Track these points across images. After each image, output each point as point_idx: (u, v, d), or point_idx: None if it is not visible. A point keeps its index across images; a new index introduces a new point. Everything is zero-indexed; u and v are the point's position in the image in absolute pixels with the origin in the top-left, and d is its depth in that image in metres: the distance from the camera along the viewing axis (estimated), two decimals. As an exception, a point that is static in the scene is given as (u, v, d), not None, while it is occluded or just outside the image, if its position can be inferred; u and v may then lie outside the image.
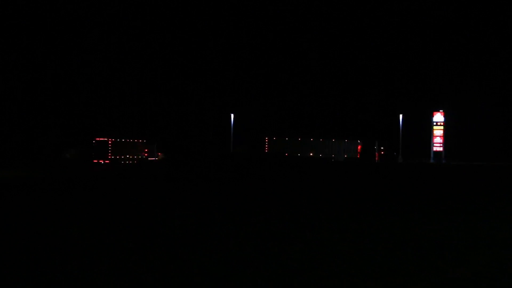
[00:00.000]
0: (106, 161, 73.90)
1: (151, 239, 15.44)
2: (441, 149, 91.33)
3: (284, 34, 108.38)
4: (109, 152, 75.34)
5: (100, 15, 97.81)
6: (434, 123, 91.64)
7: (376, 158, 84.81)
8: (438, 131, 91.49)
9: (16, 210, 22.62)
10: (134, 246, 14.30)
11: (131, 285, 10.59)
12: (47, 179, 42.36)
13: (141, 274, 11.32)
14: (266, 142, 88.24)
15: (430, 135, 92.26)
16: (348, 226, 18.25)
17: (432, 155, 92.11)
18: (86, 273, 11.36)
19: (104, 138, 77.11)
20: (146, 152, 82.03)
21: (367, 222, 19.14)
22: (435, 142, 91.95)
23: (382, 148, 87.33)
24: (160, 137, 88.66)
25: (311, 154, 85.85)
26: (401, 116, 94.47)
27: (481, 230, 17.44)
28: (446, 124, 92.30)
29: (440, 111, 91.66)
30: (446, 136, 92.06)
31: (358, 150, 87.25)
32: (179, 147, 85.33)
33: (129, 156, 78.38)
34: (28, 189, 33.76)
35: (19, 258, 12.83)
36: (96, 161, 73.55)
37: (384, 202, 26.85)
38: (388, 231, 17.21)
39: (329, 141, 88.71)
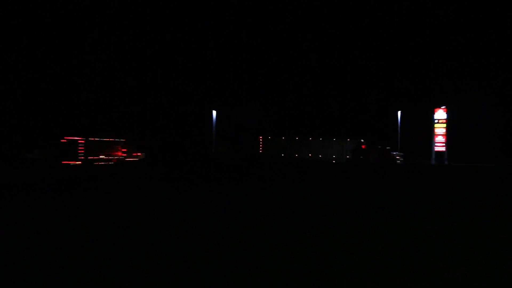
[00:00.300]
0: (76, 162, 66.28)
1: (151, 239, 15.43)
2: (443, 149, 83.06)
3: (284, 34, 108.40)
4: (81, 152, 67.66)
5: (100, 15, 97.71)
6: (436, 121, 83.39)
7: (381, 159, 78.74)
8: (440, 129, 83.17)
9: (15, 210, 22.61)
10: (134, 246, 14.30)
11: (131, 285, 10.59)
12: (43, 180, 42.36)
13: (141, 274, 11.32)
14: (261, 141, 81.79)
15: (431, 133, 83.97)
16: (348, 226, 18.24)
17: (433, 155, 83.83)
18: (86, 273, 11.37)
19: (74, 137, 69.37)
20: (124, 152, 74.77)
21: (367, 222, 19.13)
22: (436, 141, 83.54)
23: (388, 148, 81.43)
24: (143, 136, 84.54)
25: (309, 155, 79.64)
26: (399, 113, 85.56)
27: (481, 230, 17.44)
28: (449, 122, 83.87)
29: (442, 107, 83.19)
30: (449, 134, 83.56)
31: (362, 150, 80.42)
32: (165, 146, 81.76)
33: (103, 157, 71.06)
34: (26, 189, 33.74)
35: (19, 258, 12.83)
36: (65, 162, 65.39)
37: (384, 202, 26.84)
38: (388, 231, 17.20)
39: (329, 141, 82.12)
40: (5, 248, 14.09)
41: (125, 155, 74.53)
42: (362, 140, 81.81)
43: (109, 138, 74.08)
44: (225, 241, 15.10)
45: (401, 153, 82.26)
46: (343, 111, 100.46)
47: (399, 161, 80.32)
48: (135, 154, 76.06)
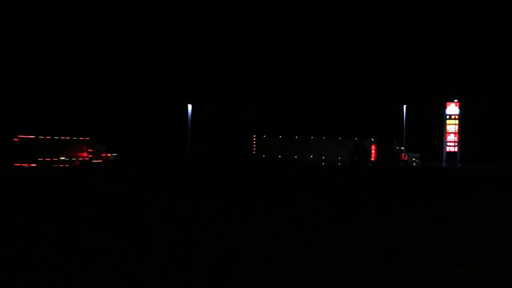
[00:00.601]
0: (31, 164, 58.42)
1: (151, 239, 15.43)
2: (455, 149, 72.84)
3: (284, 34, 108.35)
4: (37, 153, 59.88)
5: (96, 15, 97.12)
6: (447, 116, 72.61)
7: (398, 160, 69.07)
8: (452, 126, 72.71)
9: (15, 211, 22.61)
10: (134, 246, 14.31)
11: (131, 285, 10.59)
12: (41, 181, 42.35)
13: (141, 274, 11.32)
14: (254, 140, 74.81)
15: (441, 131, 73.47)
16: (348, 226, 18.25)
17: (444, 156, 73.68)
18: (86, 273, 11.37)
19: (30, 136, 61.51)
20: (90, 153, 66.47)
21: (367, 222, 19.14)
22: (448, 140, 73.26)
23: (402, 148, 72.24)
24: (117, 135, 76.74)
25: (311, 156, 72.03)
26: (405, 107, 73.60)
27: (481, 230, 17.44)
28: (462, 118, 72.68)
29: (455, 101, 72.27)
30: (462, 132, 72.64)
31: (372, 151, 71.47)
32: (137, 146, 75.53)
33: (64, 158, 62.86)
34: (24, 190, 33.74)
35: (19, 258, 12.82)
36: (18, 164, 57.71)
37: (384, 202, 26.85)
38: (388, 231, 17.20)
39: (332, 140, 73.38)
40: (5, 248, 14.09)
41: (91, 156, 66.35)
42: (372, 139, 72.78)
43: (72, 137, 66.08)
44: (225, 241, 15.10)
45: (417, 155, 74.28)
46: (343, 111, 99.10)
47: (415, 164, 72.36)
48: (104, 155, 68.05)
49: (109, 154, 68.37)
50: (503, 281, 11.05)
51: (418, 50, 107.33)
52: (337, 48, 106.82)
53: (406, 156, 73.08)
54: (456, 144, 72.75)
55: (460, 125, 73.07)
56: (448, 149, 73.13)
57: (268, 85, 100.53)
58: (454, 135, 72.92)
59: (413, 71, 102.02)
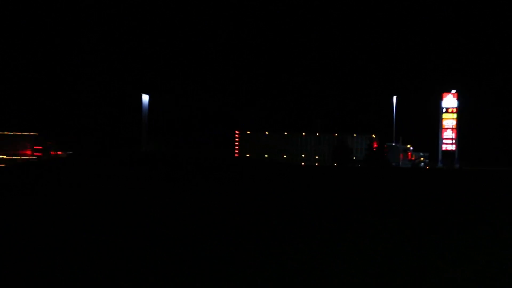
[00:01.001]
0: None
1: (151, 239, 15.43)
2: (453, 147, 64.58)
3: (284, 34, 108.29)
4: None
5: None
6: (444, 109, 64.41)
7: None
8: (449, 121, 64.33)
9: (15, 210, 22.59)
10: (134, 246, 14.30)
11: (131, 285, 10.59)
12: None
13: (141, 274, 11.33)
14: (237, 137, 68.62)
15: (437, 126, 64.86)
16: (348, 226, 18.26)
17: (440, 156, 66.12)
18: (86, 273, 11.37)
19: None
20: (37, 150, 59.33)
21: (367, 222, 19.15)
22: (444, 137, 64.85)
23: (408, 146, 66.56)
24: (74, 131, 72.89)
25: (303, 155, 66.60)
26: (395, 98, 65.79)
27: (481, 230, 17.45)
28: (461, 111, 63.45)
29: (453, 92, 63.56)
30: (461, 128, 63.89)
31: (374, 149, 65.94)
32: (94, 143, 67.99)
33: (3, 157, 56.45)
34: (24, 189, 33.69)
35: (19, 258, 12.82)
36: None
37: (384, 202, 26.86)
38: (388, 231, 17.21)
39: (328, 137, 67.08)
40: (5, 248, 14.09)
41: (39, 154, 59.32)
42: (373, 136, 66.76)
43: (14, 132, 59.82)
44: (225, 241, 15.10)
45: (426, 154, 66.98)
46: (343, 110, 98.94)
47: (423, 164, 66.11)
48: (54, 152, 61.70)
49: (60, 152, 62.56)
50: (503, 281, 11.05)
51: (415, 43, 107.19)
52: (335, 44, 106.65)
53: (413, 156, 67.19)
54: (453, 141, 64.44)
55: (458, 119, 64.43)
56: (444, 147, 64.80)
57: (267, 84, 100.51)
58: (451, 131, 64.33)
59: (409, 63, 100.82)
